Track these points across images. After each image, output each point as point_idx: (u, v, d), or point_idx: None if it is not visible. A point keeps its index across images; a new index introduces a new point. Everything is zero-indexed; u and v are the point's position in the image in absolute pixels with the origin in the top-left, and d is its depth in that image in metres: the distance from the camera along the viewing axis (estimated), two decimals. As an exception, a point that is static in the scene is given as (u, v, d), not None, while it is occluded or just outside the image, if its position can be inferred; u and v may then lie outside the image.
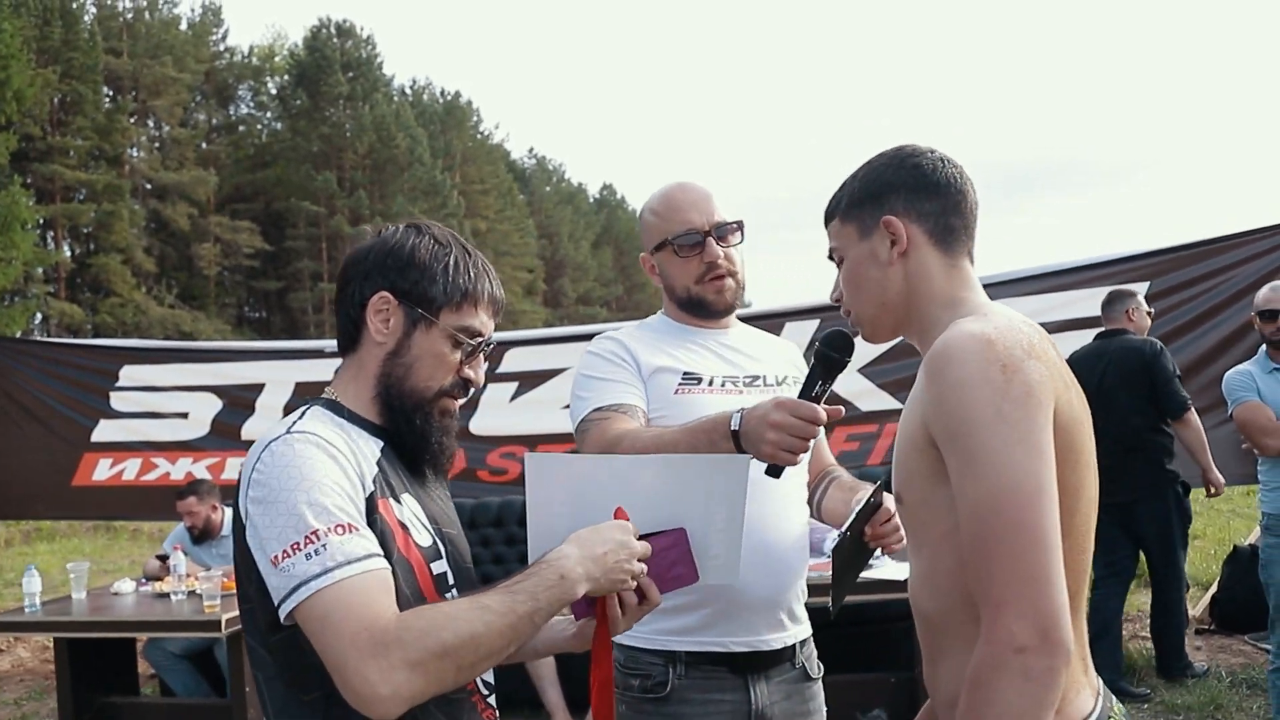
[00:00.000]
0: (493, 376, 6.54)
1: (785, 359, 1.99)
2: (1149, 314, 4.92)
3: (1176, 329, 5.51)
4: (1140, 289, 5.67)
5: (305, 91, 39.24)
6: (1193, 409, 4.62)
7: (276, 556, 1.18)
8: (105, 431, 7.21)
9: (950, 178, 1.34)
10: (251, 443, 5.13)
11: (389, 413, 1.36)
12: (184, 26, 38.17)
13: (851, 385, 5.46)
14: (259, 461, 1.24)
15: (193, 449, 7.05)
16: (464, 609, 1.19)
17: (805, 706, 1.85)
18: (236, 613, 4.11)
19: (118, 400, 7.22)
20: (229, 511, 5.14)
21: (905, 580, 1.36)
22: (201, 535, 5.10)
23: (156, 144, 35.69)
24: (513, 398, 6.44)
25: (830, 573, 1.70)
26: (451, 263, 1.36)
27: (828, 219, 1.42)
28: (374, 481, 1.29)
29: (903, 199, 1.33)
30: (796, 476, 1.84)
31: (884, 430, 5.63)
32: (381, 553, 1.22)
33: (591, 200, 64.80)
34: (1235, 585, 5.35)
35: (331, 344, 7.32)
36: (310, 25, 39.33)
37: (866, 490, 1.77)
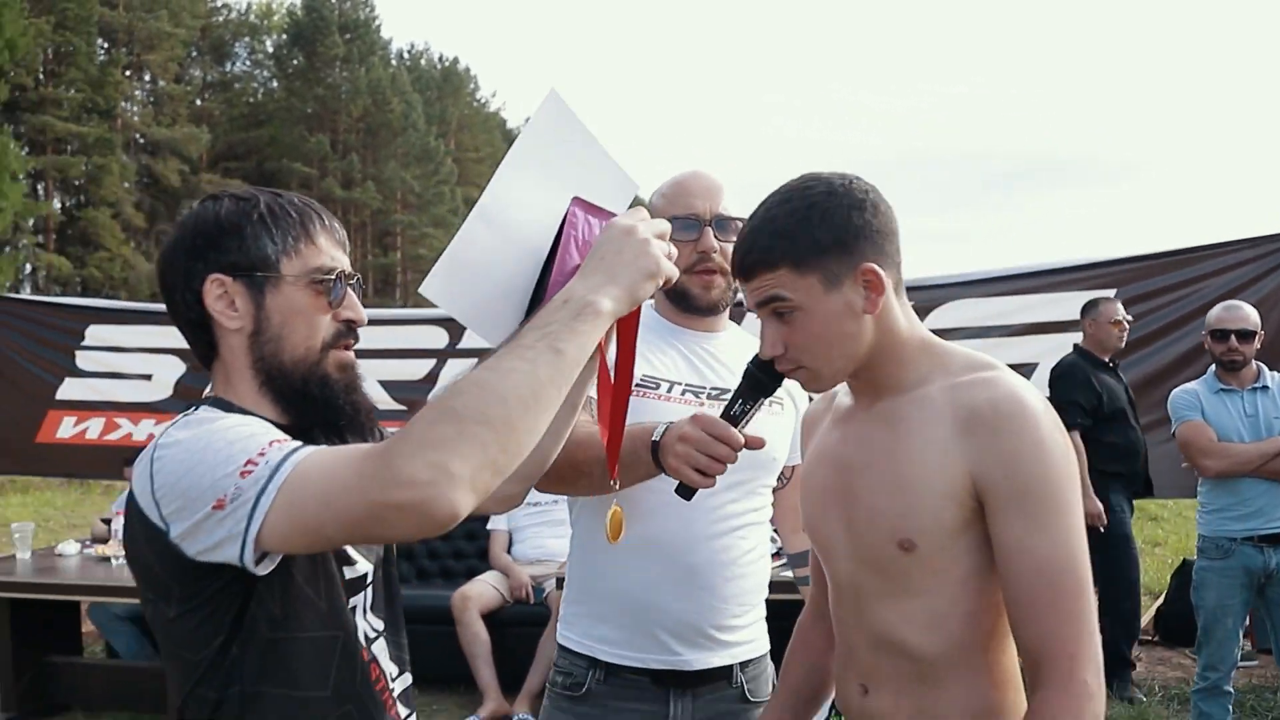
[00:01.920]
0: (454, 351, 6.57)
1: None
2: (1115, 323, 4.83)
3: (1142, 338, 5.52)
4: (1109, 296, 5.69)
5: (302, 51, 38.90)
6: (1074, 434, 4.44)
7: (221, 500, 1.04)
8: (70, 390, 7.21)
9: (893, 216, 1.31)
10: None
11: (282, 398, 1.21)
12: (182, -20, 37.76)
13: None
14: (155, 460, 1.10)
15: (155, 410, 7.06)
16: (461, 381, 1.05)
17: None
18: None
19: (83, 359, 7.22)
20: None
21: None
22: (150, 501, 5.09)
23: (150, 99, 35.38)
24: (476, 373, 6.45)
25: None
26: (263, 211, 1.20)
27: (762, 267, 1.27)
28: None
29: (873, 244, 1.27)
30: (747, 501, 1.77)
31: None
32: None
33: (588, 174, 64.63)
34: (1182, 598, 5.38)
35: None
36: (310, -15, 38.82)
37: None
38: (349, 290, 1.25)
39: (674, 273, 1.18)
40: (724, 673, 1.77)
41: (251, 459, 1.05)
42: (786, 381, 1.54)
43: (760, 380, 1.38)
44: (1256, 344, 3.70)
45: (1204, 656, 3.61)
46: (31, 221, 28.55)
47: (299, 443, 1.10)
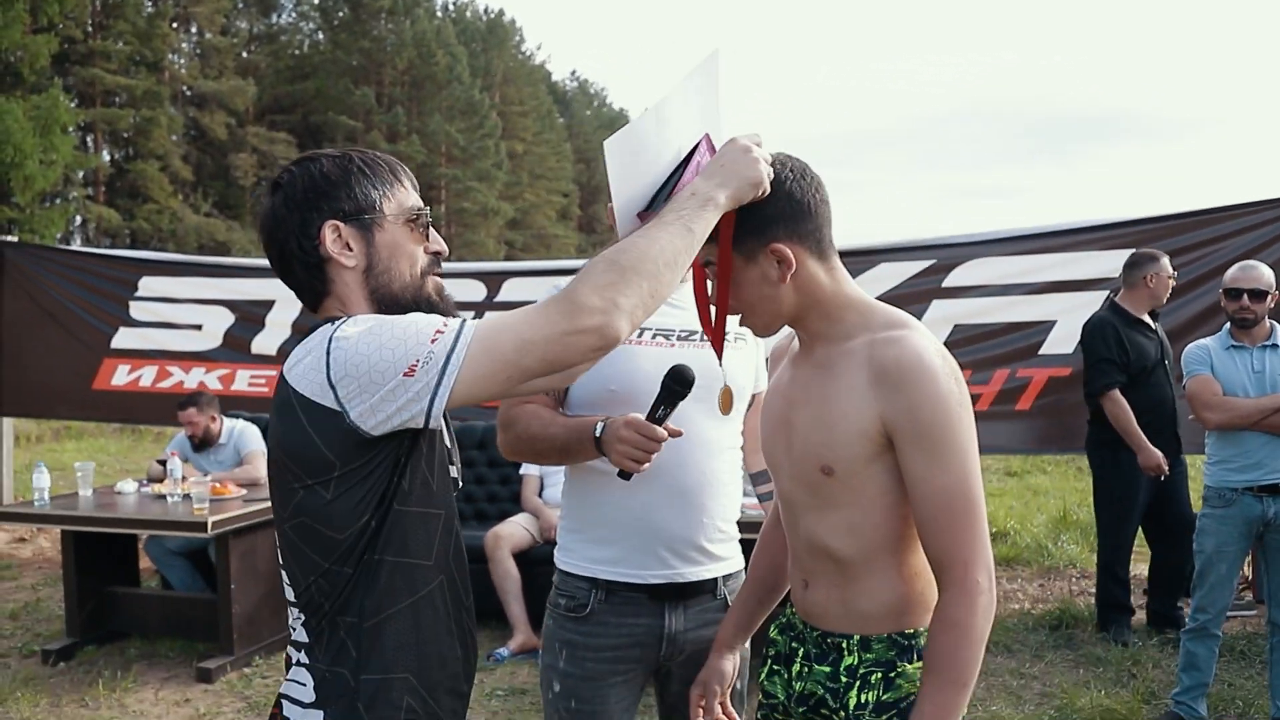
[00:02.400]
0: (492, 304, 6.77)
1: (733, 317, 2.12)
2: (1171, 277, 4.88)
3: (1156, 298, 5.58)
4: (1126, 256, 5.76)
5: (347, 4, 38.98)
6: (1114, 391, 4.68)
7: (412, 367, 1.26)
8: (124, 339, 7.52)
9: (816, 198, 1.54)
10: (262, 355, 5.39)
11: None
12: (228, -68, 37.90)
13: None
14: (332, 348, 1.30)
15: (205, 359, 7.35)
16: (623, 243, 1.36)
17: None
18: (223, 515, 4.44)
19: (136, 310, 7.53)
20: (228, 422, 5.47)
21: None
22: (201, 443, 5.41)
23: (196, 51, 35.72)
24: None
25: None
26: (359, 164, 1.44)
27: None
28: None
29: (783, 227, 1.51)
30: (725, 426, 2.00)
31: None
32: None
33: (631, 127, 64.15)
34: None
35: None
36: (355, -64, 38.78)
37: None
38: (429, 227, 1.50)
39: (768, 187, 1.48)
40: (710, 585, 2.01)
41: (438, 329, 1.30)
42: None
43: (675, 390, 1.77)
44: (1270, 304, 3.79)
45: (1196, 599, 3.76)
46: (81, 174, 29.09)
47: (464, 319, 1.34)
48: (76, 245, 23.97)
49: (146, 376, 7.54)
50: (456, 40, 41.00)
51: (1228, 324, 3.86)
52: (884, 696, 1.54)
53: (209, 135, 33.83)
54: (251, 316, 7.26)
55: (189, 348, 7.42)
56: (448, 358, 1.28)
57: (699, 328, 1.94)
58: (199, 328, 7.41)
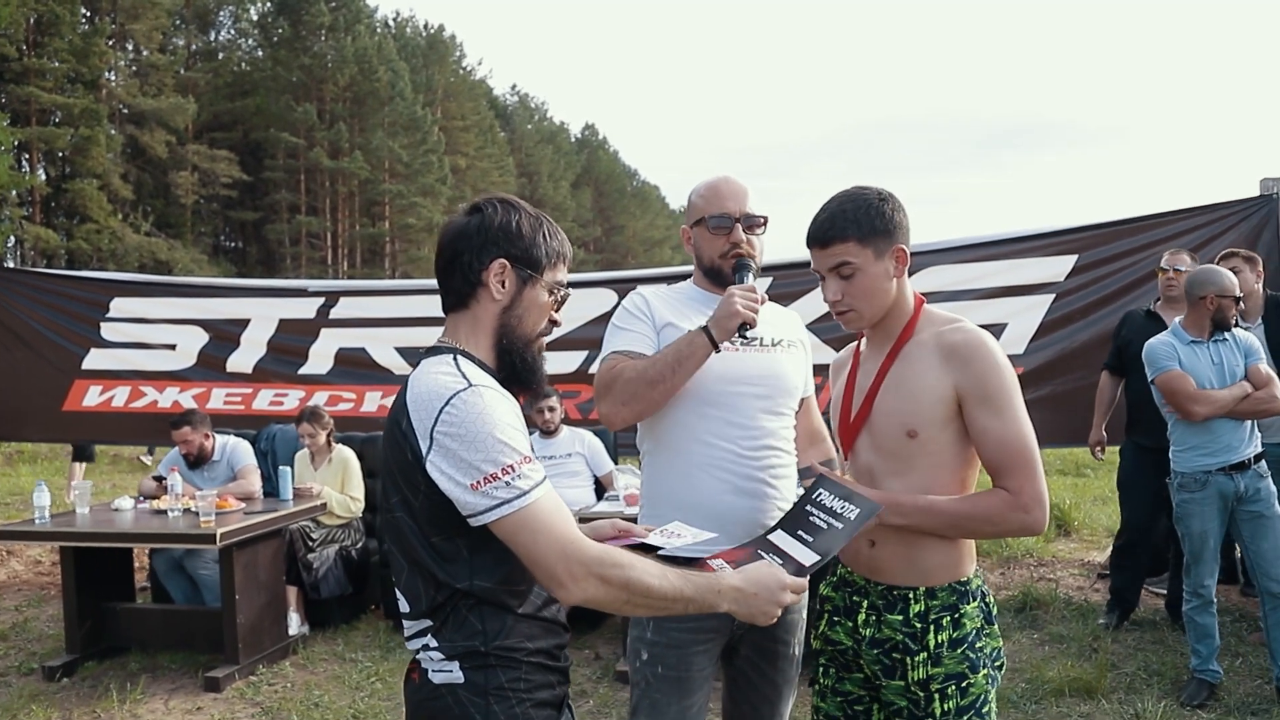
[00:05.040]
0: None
1: (785, 325, 2.36)
2: (1162, 272, 5.13)
3: (1100, 299, 5.96)
4: (1071, 261, 6.15)
5: (287, 20, 38.78)
6: (1104, 370, 5.24)
7: (477, 482, 1.51)
8: (95, 360, 7.56)
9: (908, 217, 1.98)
10: (237, 373, 5.57)
11: (505, 355, 1.69)
12: (164, -52, 37.45)
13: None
14: (450, 406, 1.53)
15: (180, 379, 7.42)
16: (652, 566, 1.57)
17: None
18: (230, 527, 4.58)
19: (108, 330, 7.57)
20: (220, 439, 5.60)
21: None
22: (196, 461, 5.52)
23: (134, 69, 35.24)
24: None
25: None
26: (546, 231, 1.72)
27: (836, 239, 1.92)
28: (523, 419, 1.64)
29: (903, 233, 1.95)
30: (782, 421, 2.28)
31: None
32: (544, 473, 1.60)
33: (573, 140, 64.41)
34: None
35: (314, 283, 7.72)
36: (293, -48, 38.54)
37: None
38: (562, 303, 1.78)
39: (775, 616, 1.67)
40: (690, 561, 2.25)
41: (512, 465, 1.53)
42: (798, 330, 2.41)
43: (748, 265, 2.23)
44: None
45: (1193, 577, 4.08)
46: (16, 194, 28.52)
47: (541, 471, 1.58)
48: (10, 265, 23.40)
49: (119, 397, 7.57)
50: (398, 56, 40.97)
51: (1178, 320, 4.17)
52: (954, 635, 1.92)
53: (149, 153, 33.40)
54: (226, 335, 7.36)
55: (163, 367, 7.48)
56: (498, 505, 1.51)
57: (759, 334, 2.25)
58: (173, 347, 7.48)
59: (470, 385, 1.56)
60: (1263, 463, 4.04)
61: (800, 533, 1.83)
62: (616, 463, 5.87)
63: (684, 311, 2.28)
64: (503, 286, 1.68)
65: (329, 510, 5.48)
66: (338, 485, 5.61)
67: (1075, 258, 6.11)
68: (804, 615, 2.32)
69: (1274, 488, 4.03)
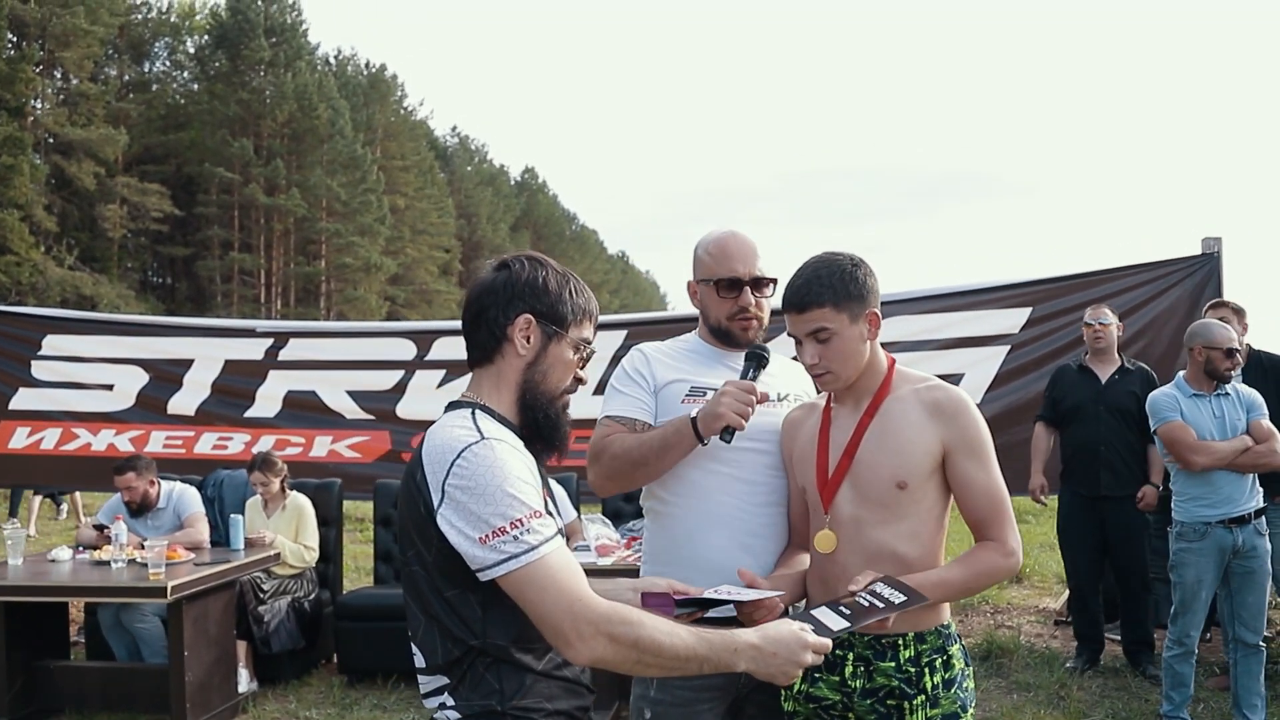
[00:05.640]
0: (422, 363, 6.83)
1: (792, 380, 2.34)
2: (1091, 327, 5.30)
3: (1054, 350, 6.08)
4: (1025, 314, 6.27)
5: (225, 54, 38.23)
6: (1038, 421, 5.41)
7: (485, 536, 1.49)
8: (24, 400, 7.22)
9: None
10: (179, 416, 5.38)
11: (528, 411, 1.68)
12: (98, -23, 36.78)
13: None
14: (461, 459, 1.53)
15: (116, 420, 7.11)
16: (663, 624, 1.54)
17: None
18: (181, 579, 4.37)
19: (39, 369, 7.24)
20: (165, 485, 5.37)
21: None
22: (139, 509, 5.28)
23: (63, 97, 34.38)
24: (440, 384, 6.71)
25: None
26: (573, 288, 1.72)
27: (813, 305, 1.97)
28: (538, 474, 1.63)
29: (876, 299, 2.04)
30: (781, 478, 2.21)
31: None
32: (558, 528, 1.57)
33: (513, 183, 64.44)
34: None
35: (263, 324, 7.53)
36: (233, -14, 38.13)
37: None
38: (587, 359, 1.77)
39: (795, 678, 1.64)
40: (730, 620, 2.17)
41: (521, 519, 1.51)
42: (804, 383, 2.36)
43: (759, 355, 2.16)
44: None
45: (1179, 625, 4.13)
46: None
47: (553, 526, 1.56)
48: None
49: (49, 439, 7.24)
50: (338, 93, 40.64)
51: (1181, 374, 4.25)
52: (946, 675, 2.01)
53: (75, 184, 32.47)
54: (168, 376, 7.09)
55: (98, 408, 7.17)
56: (506, 560, 1.50)
57: (765, 390, 2.19)
58: (110, 387, 7.17)
59: (483, 438, 1.56)
60: (1262, 519, 4.11)
61: (842, 608, 1.83)
62: (579, 511, 5.77)
63: (685, 368, 2.25)
64: (528, 342, 1.67)
65: (282, 560, 5.28)
66: (291, 534, 5.41)
67: (1030, 310, 6.24)
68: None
69: (1269, 546, 4.11)
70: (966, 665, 2.08)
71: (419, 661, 1.64)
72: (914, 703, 1.97)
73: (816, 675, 2.04)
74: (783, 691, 2.10)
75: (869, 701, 1.99)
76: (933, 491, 2.01)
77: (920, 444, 1.99)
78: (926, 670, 1.99)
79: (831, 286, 1.97)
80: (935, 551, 2.04)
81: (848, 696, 2.01)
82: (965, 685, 2.04)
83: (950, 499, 2.05)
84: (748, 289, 2.24)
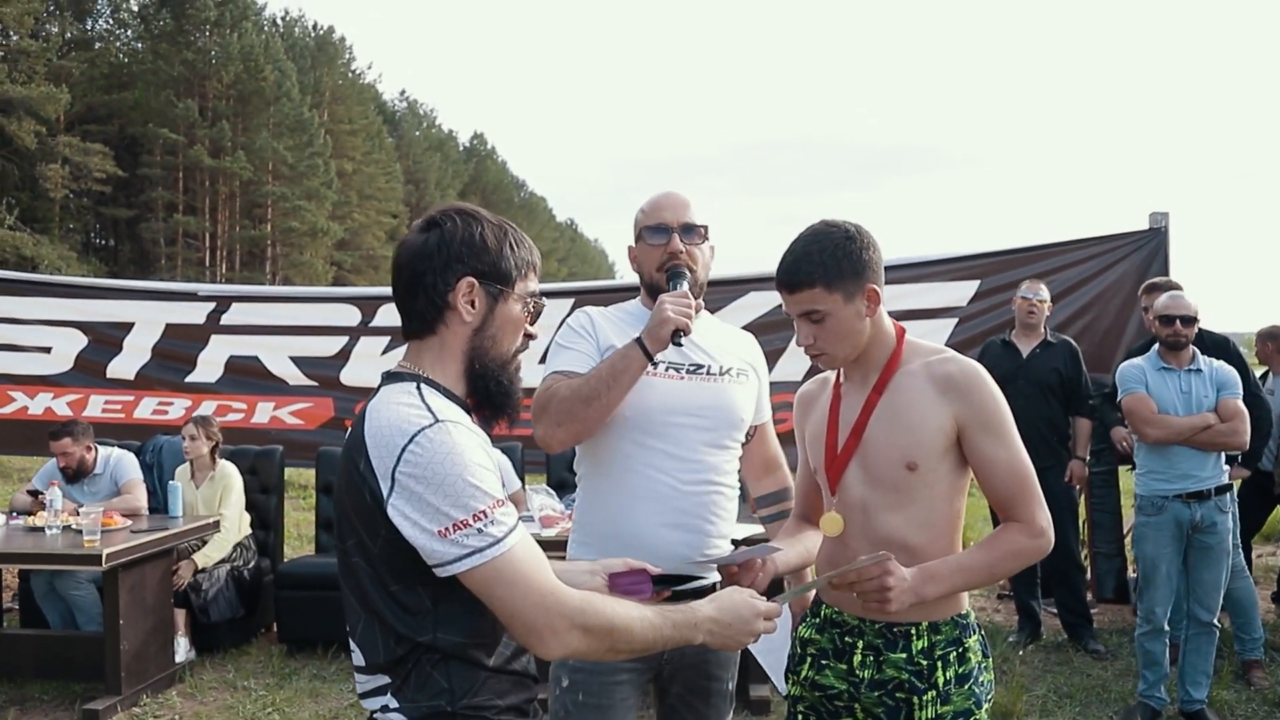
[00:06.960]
0: (366, 329, 6.73)
1: (738, 353, 2.26)
2: (1026, 301, 5.33)
3: (1001, 324, 6.11)
4: (973, 286, 6.32)
5: (170, 12, 37.24)
6: None
7: (445, 529, 1.38)
8: (-43, 362, 7.02)
9: (880, 256, 1.92)
10: (118, 380, 5.22)
11: (478, 380, 1.54)
12: (36, -71, 35.51)
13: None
14: (414, 444, 1.39)
15: (53, 384, 6.94)
16: (631, 608, 1.49)
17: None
18: (116, 546, 4.27)
19: (-26, 331, 7.04)
20: (103, 451, 5.24)
21: None
22: (75, 474, 5.15)
23: (2, 54, 33.23)
24: (384, 350, 6.62)
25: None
26: (512, 240, 1.56)
27: (803, 285, 1.86)
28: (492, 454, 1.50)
29: (876, 273, 1.90)
30: (724, 455, 2.18)
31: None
32: (518, 515, 1.46)
33: (461, 149, 63.75)
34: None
35: (205, 287, 7.34)
36: (177, -58, 37.02)
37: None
38: (536, 314, 1.63)
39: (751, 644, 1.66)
40: (707, 591, 2.13)
41: (484, 510, 1.40)
42: (750, 355, 2.29)
43: (678, 271, 2.15)
44: (1195, 329, 4.18)
45: (1145, 602, 4.11)
46: None
47: (515, 518, 1.44)
48: None
49: (-17, 402, 7.06)
50: (285, 55, 39.80)
51: (1156, 346, 4.23)
52: (960, 670, 1.88)
53: (15, 143, 31.49)
54: (107, 339, 6.92)
55: (35, 371, 6.99)
56: (466, 555, 1.39)
57: (706, 362, 2.18)
58: (48, 350, 6.98)
59: (437, 421, 1.42)
60: (1225, 497, 4.08)
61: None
62: (524, 481, 5.74)
63: (629, 332, 2.16)
64: (472, 307, 1.53)
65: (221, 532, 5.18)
66: (215, 504, 5.30)
67: (978, 283, 6.29)
68: (737, 651, 2.24)
69: (1231, 524, 4.09)
70: (985, 657, 1.95)
71: (357, 659, 1.51)
72: (924, 698, 1.85)
73: (824, 663, 1.96)
74: (788, 676, 2.06)
75: (877, 694, 1.88)
76: (946, 474, 1.88)
77: (932, 422, 1.86)
78: (939, 664, 1.86)
79: (822, 264, 1.84)
80: (949, 538, 1.91)
81: (854, 687, 1.91)
82: (981, 680, 1.91)
83: (965, 484, 1.93)
84: (675, 235, 2.18)
